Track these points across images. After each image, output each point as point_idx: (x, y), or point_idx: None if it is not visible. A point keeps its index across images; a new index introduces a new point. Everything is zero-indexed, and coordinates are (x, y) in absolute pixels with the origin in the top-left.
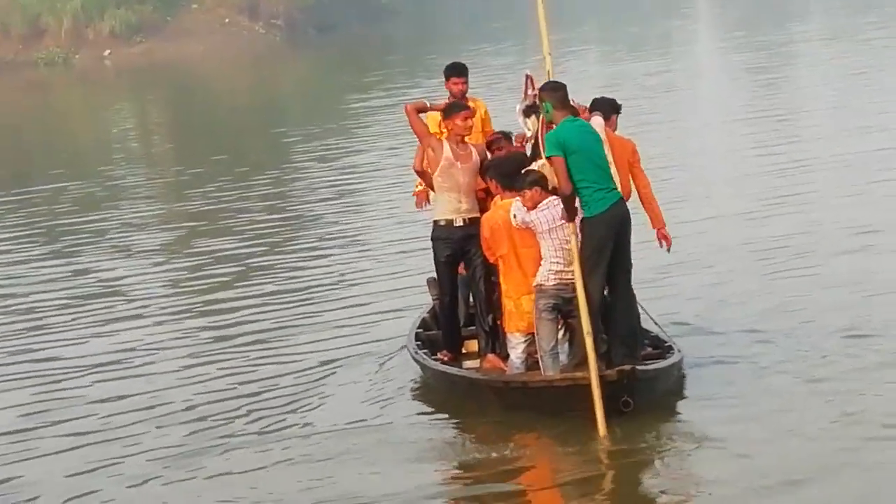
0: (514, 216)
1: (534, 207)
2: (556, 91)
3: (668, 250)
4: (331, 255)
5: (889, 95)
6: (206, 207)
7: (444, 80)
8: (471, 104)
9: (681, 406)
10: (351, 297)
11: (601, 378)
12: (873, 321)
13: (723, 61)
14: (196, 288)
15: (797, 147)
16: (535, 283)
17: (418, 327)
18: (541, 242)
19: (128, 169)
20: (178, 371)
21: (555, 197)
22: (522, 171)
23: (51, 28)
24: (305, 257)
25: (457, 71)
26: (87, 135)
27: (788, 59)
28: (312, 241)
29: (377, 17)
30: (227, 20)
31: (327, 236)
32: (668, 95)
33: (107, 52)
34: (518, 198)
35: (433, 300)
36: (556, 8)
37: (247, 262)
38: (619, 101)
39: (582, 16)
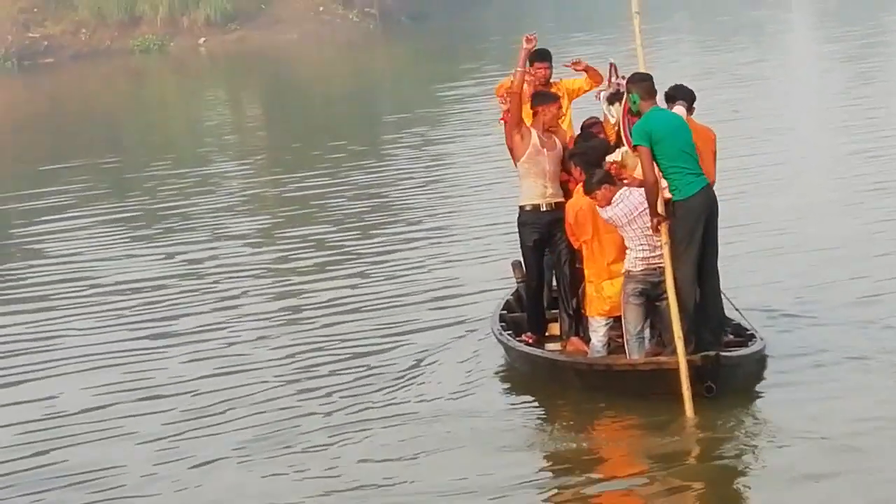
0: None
1: (608, 204)
2: (642, 82)
3: None
4: (419, 240)
5: None
6: (298, 193)
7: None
8: (553, 89)
9: (762, 394)
10: (438, 281)
11: (686, 362)
12: None
13: (815, 51)
14: (285, 272)
15: (890, 136)
16: (623, 270)
17: (502, 309)
18: (623, 234)
19: (221, 155)
20: (265, 354)
21: (627, 188)
22: (589, 174)
23: (146, 16)
24: (394, 242)
25: (540, 56)
26: (182, 122)
27: (881, 50)
28: (402, 227)
29: (470, 4)
30: (321, 8)
31: (417, 222)
32: (759, 85)
33: (202, 40)
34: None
35: (517, 283)
36: None
37: (336, 247)
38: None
39: (672, 5)
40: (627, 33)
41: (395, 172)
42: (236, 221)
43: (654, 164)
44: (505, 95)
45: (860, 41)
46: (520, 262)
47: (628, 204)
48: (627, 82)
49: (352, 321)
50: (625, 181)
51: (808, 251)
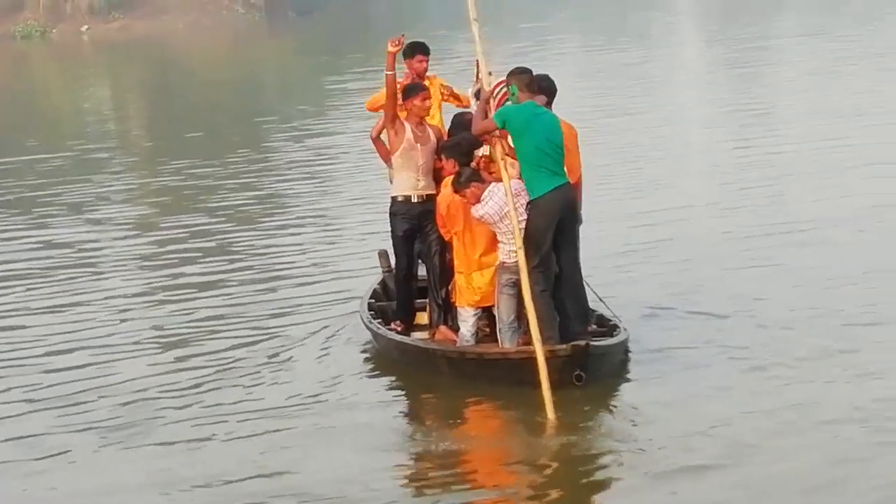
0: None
1: (477, 202)
2: (522, 74)
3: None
4: (292, 230)
5: (861, 93)
6: (176, 183)
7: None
8: (426, 83)
9: (624, 384)
10: (310, 269)
11: (554, 352)
12: (826, 311)
13: (700, 54)
14: (158, 262)
15: (768, 135)
16: (497, 262)
17: (370, 298)
18: (495, 229)
19: (101, 143)
20: (129, 343)
21: (495, 184)
22: (457, 173)
23: (29, 1)
24: (270, 234)
25: (419, 49)
26: (62, 109)
27: (764, 54)
28: (276, 218)
29: (355, 0)
30: None
31: (294, 215)
32: (643, 86)
33: (84, 28)
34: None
35: (382, 272)
36: None
37: (210, 238)
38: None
39: (560, 4)
40: (513, 30)
41: (274, 163)
42: (112, 210)
43: (489, 121)
44: (379, 109)
45: (745, 43)
46: (385, 252)
47: (498, 201)
48: (508, 74)
49: (219, 314)
50: (493, 174)
51: (683, 248)
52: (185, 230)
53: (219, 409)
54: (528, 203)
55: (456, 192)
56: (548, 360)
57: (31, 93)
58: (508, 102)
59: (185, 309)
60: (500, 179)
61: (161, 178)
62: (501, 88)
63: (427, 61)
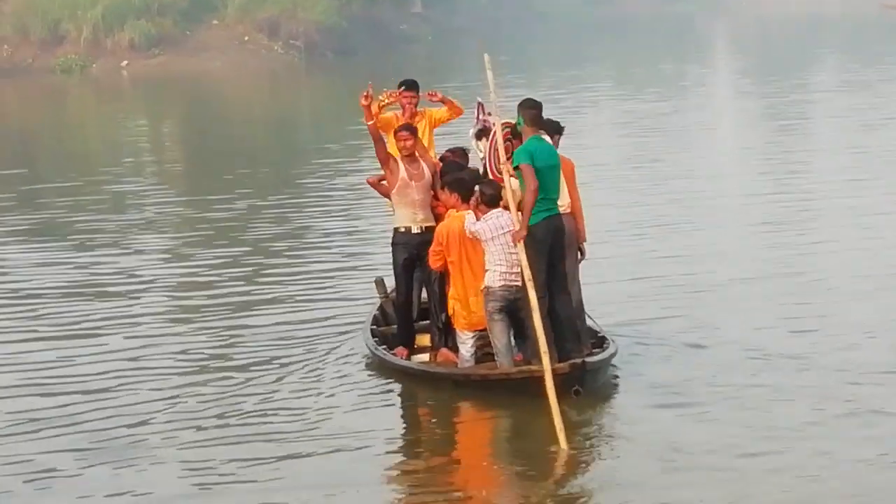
0: (468, 228)
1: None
2: (531, 109)
3: (580, 260)
4: (312, 264)
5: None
6: (205, 214)
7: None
8: (418, 117)
9: (617, 393)
10: (321, 300)
11: (553, 371)
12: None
13: (720, 102)
14: (175, 287)
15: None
16: (483, 287)
17: (371, 324)
18: (486, 249)
19: (136, 175)
20: (137, 367)
21: (498, 210)
22: (482, 191)
23: (70, 35)
24: (290, 264)
25: (408, 86)
26: (99, 143)
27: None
28: (300, 252)
29: (395, 43)
30: (246, 38)
31: (315, 247)
32: (666, 132)
33: (124, 63)
34: (471, 210)
35: (380, 298)
36: (572, 46)
37: (229, 268)
38: (562, 125)
39: (598, 55)
40: (547, 78)
41: (304, 200)
42: (145, 238)
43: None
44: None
45: (780, 97)
46: (382, 280)
47: (496, 222)
48: (518, 106)
49: (228, 335)
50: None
51: (654, 271)
52: (207, 260)
53: (228, 432)
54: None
55: (479, 203)
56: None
57: (68, 126)
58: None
59: (195, 333)
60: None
61: (190, 210)
62: (500, 128)
63: (413, 96)
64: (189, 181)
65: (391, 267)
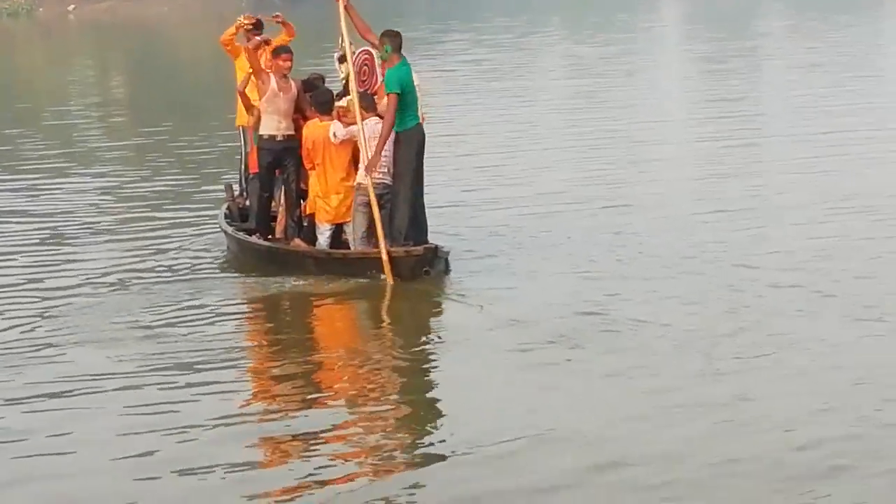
0: (335, 134)
1: (349, 125)
2: (394, 38)
3: None
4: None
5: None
6: (142, 151)
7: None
8: (260, 50)
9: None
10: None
11: (410, 251)
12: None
13: (680, 53)
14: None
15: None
16: (355, 183)
17: (225, 218)
18: (361, 149)
19: (83, 113)
20: None
21: (375, 118)
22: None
23: None
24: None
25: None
26: (46, 85)
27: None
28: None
29: None
30: None
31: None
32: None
33: (71, 7)
34: (336, 120)
35: (227, 201)
36: None
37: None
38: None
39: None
40: (488, 26)
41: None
42: (83, 179)
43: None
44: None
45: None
46: (230, 185)
47: (374, 127)
48: (382, 35)
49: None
50: (347, 119)
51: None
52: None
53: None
54: (397, 134)
55: (328, 114)
56: (406, 257)
57: (13, 70)
58: (379, 62)
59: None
60: (353, 123)
61: (134, 152)
62: (360, 55)
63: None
64: (136, 127)
65: (237, 174)
